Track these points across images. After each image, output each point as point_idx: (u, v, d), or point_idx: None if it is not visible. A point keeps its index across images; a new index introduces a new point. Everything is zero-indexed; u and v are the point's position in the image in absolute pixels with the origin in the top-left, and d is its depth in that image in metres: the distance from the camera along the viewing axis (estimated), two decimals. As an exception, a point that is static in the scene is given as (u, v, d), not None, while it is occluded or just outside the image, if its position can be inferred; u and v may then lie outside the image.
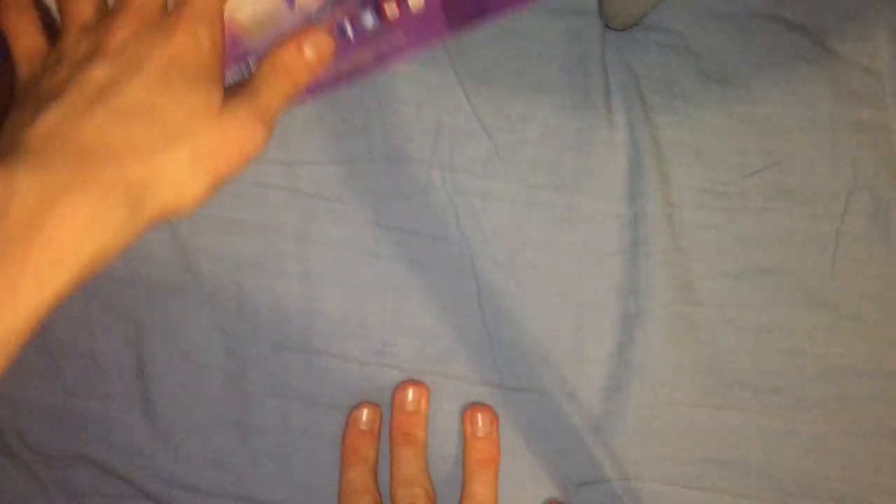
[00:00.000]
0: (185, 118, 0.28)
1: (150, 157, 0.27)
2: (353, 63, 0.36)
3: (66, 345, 0.42)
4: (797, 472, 0.43)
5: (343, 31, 0.36)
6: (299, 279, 0.43)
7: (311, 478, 0.42)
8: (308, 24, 0.35)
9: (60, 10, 0.32)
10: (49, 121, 0.27)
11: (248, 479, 0.42)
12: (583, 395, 0.43)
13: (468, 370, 0.43)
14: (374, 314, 0.43)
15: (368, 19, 0.36)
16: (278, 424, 0.42)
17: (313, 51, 0.32)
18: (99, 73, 0.28)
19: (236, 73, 0.36)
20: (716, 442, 0.43)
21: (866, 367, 0.44)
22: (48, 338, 0.42)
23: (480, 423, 0.42)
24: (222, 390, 0.42)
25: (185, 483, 0.42)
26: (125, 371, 0.42)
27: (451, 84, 0.43)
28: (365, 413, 0.42)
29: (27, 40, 0.32)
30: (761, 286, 0.44)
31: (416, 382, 0.42)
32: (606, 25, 0.44)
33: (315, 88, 0.37)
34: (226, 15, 0.32)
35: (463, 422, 0.42)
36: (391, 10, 0.36)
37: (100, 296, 0.42)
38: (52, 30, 0.33)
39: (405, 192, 0.43)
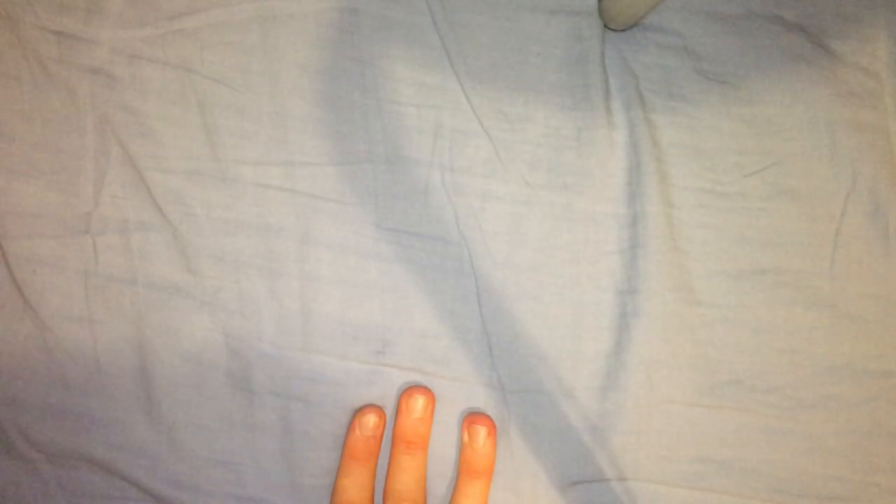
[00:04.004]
0: None
1: None
2: None
3: (68, 344, 0.42)
4: (795, 471, 0.43)
5: None
6: (299, 279, 0.43)
7: (313, 478, 0.42)
8: None
9: None
10: None
11: (251, 479, 0.42)
12: (581, 394, 0.43)
13: (467, 370, 0.43)
14: (374, 314, 0.43)
15: None
16: (280, 425, 0.43)
17: None
18: None
19: None
20: (713, 441, 0.43)
21: (865, 366, 0.44)
22: (49, 337, 0.42)
23: (478, 434, 0.42)
24: (224, 390, 0.43)
25: (188, 483, 0.42)
26: (127, 371, 0.42)
27: (450, 84, 0.44)
28: (370, 419, 0.41)
29: None
30: (760, 286, 0.44)
31: (424, 389, 0.42)
32: (606, 26, 0.44)
33: None
34: None
35: (461, 428, 0.42)
36: None
37: (101, 296, 0.43)
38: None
39: (405, 192, 0.43)
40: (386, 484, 0.41)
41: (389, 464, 0.41)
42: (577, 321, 0.43)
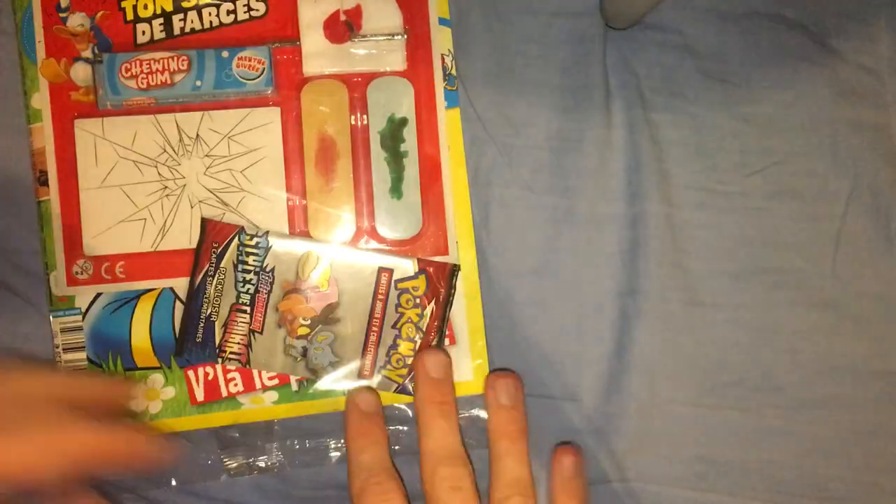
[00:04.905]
0: None
1: None
2: None
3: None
4: (797, 472, 0.43)
5: None
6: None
7: (307, 487, 0.42)
8: None
9: None
10: None
11: (246, 484, 0.42)
12: (584, 397, 0.43)
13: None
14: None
15: None
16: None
17: None
18: None
19: None
20: (715, 442, 0.43)
21: (866, 367, 0.44)
22: (48, 339, 0.42)
23: (504, 390, 0.37)
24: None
25: (184, 489, 0.42)
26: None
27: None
28: (364, 395, 0.39)
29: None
30: (761, 286, 0.44)
31: (434, 349, 0.40)
32: (607, 25, 0.44)
33: None
34: None
35: (485, 388, 0.39)
36: None
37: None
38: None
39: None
40: (426, 452, 0.36)
41: (423, 431, 0.36)
42: (579, 324, 0.43)
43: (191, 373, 0.41)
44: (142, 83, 0.40)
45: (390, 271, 0.41)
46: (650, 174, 0.44)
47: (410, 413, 0.42)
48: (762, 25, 0.45)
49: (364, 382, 0.41)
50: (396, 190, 0.41)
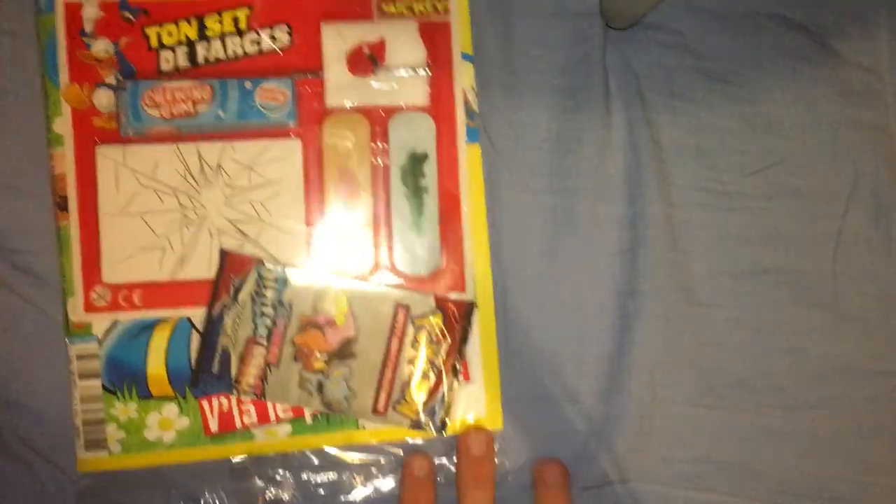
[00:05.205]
0: None
1: None
2: None
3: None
4: (797, 472, 0.43)
5: None
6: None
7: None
8: None
9: None
10: None
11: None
12: (585, 399, 0.43)
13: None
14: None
15: None
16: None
17: None
18: None
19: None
20: (715, 443, 0.43)
21: (866, 367, 0.44)
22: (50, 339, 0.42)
23: (551, 476, 0.41)
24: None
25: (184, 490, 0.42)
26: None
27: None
28: (418, 461, 0.40)
29: None
30: (761, 286, 0.44)
31: (481, 428, 0.41)
32: (607, 25, 0.44)
33: None
34: None
35: (534, 475, 0.42)
36: None
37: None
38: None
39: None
40: None
41: (461, 501, 0.40)
42: (579, 324, 0.43)
43: (205, 403, 0.41)
44: (164, 112, 0.40)
45: (407, 308, 0.41)
46: (650, 174, 0.44)
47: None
48: (762, 25, 0.45)
49: (378, 418, 0.41)
50: (416, 225, 0.41)
